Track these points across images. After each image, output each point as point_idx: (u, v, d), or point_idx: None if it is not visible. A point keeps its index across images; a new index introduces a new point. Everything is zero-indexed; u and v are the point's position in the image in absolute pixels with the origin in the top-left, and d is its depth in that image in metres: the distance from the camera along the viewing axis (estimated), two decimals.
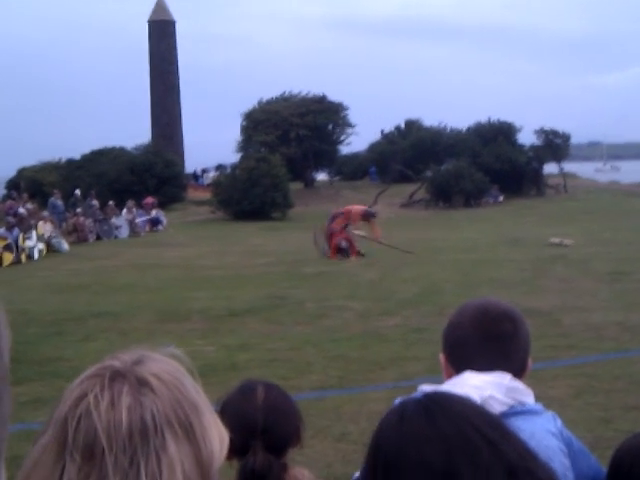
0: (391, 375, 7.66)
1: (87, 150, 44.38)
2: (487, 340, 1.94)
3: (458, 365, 1.95)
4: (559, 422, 1.91)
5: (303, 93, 47.37)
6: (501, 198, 40.08)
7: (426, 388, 1.94)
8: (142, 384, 1.01)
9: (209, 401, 1.09)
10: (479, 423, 1.19)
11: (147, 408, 0.99)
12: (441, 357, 2.04)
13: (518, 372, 1.94)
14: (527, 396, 1.87)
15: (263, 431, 2.07)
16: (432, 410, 1.20)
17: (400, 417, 1.20)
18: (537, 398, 6.31)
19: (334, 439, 5.93)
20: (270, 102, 47.04)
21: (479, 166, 40.32)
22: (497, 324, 1.96)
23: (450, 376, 1.95)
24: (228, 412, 2.13)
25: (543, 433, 1.82)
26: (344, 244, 19.00)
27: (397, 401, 1.32)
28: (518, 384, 1.87)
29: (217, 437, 1.04)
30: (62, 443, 0.98)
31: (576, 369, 7.58)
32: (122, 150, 43.57)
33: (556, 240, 19.96)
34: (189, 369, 1.10)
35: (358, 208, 19.18)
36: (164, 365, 1.06)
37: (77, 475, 0.96)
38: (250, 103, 48.18)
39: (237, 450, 2.07)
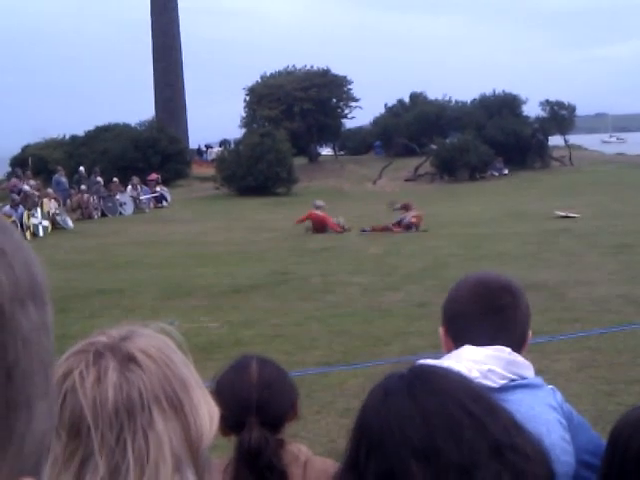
0: (395, 350, 7.67)
1: (91, 126, 44.36)
2: (487, 313, 1.94)
3: (458, 338, 1.95)
4: (559, 396, 1.91)
5: (307, 67, 47.13)
6: (506, 171, 39.93)
7: (423, 363, 1.94)
8: (129, 360, 1.00)
9: (204, 377, 1.08)
10: (463, 398, 1.17)
11: (134, 384, 0.98)
12: (440, 330, 2.03)
13: (518, 345, 1.94)
14: (527, 369, 1.87)
15: (258, 407, 2.06)
16: (415, 386, 1.18)
17: (383, 394, 1.19)
18: (541, 372, 6.32)
19: (338, 414, 5.95)
20: (273, 76, 46.81)
21: (484, 139, 40.15)
22: (497, 297, 1.95)
23: (450, 349, 1.95)
24: (223, 389, 2.13)
25: (543, 406, 1.81)
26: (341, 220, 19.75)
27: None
28: (517, 357, 1.86)
29: (207, 414, 1.03)
30: None
31: (580, 343, 7.58)
32: (126, 126, 43.48)
33: (561, 213, 19.91)
34: (179, 344, 1.09)
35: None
36: (152, 341, 1.05)
37: (63, 452, 0.95)
38: (254, 78, 48.02)
39: (233, 426, 2.07)
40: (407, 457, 1.14)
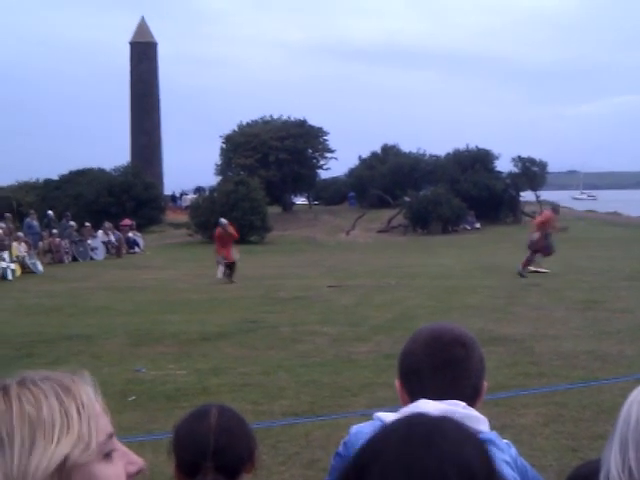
0: (362, 401, 7.65)
1: (66, 171, 44.32)
2: (438, 366, 1.95)
3: (411, 392, 1.96)
4: (513, 451, 1.90)
5: (284, 117, 47.62)
6: (478, 225, 40.34)
7: (381, 416, 1.95)
8: None
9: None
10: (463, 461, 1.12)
11: None
12: (397, 383, 2.04)
13: (472, 397, 1.95)
14: (482, 424, 1.87)
15: (215, 452, 2.07)
16: (416, 437, 1.13)
17: (390, 437, 1.14)
18: (507, 426, 6.29)
19: (303, 466, 5.90)
20: (250, 125, 47.20)
21: (457, 192, 40.64)
22: (448, 350, 1.96)
23: (405, 402, 1.96)
24: (181, 434, 2.14)
25: (497, 462, 1.81)
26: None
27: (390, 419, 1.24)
28: (472, 412, 1.87)
29: (47, 458, 1.03)
30: None
31: (546, 397, 7.60)
32: (101, 171, 43.49)
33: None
34: (95, 391, 1.14)
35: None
36: (38, 384, 1.09)
37: None
38: (231, 126, 48.39)
39: (189, 472, 2.07)
40: None
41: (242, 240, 33.83)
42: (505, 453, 1.86)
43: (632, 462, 1.31)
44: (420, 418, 1.18)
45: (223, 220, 21.09)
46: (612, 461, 1.35)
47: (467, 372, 1.96)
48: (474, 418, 1.86)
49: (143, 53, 49.81)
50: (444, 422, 1.18)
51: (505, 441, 1.92)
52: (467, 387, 1.95)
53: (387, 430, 1.16)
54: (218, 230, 20.54)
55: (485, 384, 2.03)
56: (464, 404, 1.87)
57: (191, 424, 2.16)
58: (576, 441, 6.27)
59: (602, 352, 9.64)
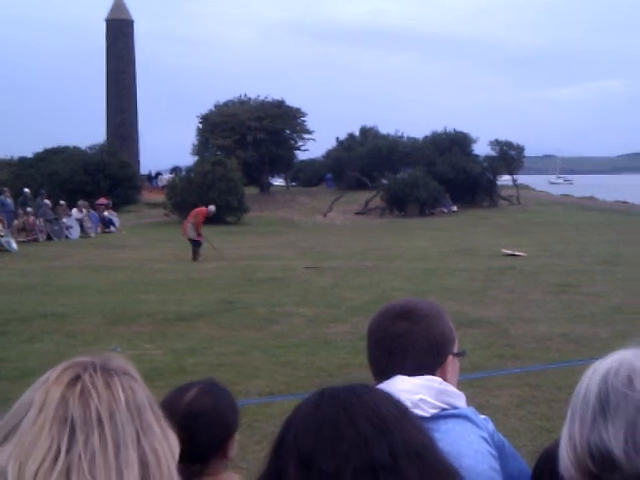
0: (338, 382, 7.64)
1: (40, 148, 43.85)
2: (377, 341, 1.94)
3: (373, 370, 1.96)
4: (491, 426, 1.88)
5: (261, 97, 47.35)
6: (455, 208, 40.46)
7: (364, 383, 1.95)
8: (124, 373, 1.10)
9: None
10: (359, 414, 1.21)
11: (137, 391, 1.08)
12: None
13: (415, 373, 1.86)
14: (458, 399, 1.85)
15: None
16: (325, 398, 1.24)
17: (305, 401, 1.26)
18: (481, 406, 6.31)
19: None
20: (227, 105, 46.85)
21: (434, 175, 40.70)
22: (389, 325, 1.93)
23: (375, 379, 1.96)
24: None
25: (473, 436, 1.80)
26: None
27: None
28: (449, 387, 1.85)
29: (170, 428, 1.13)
30: (62, 420, 1.02)
31: (520, 379, 7.67)
32: (76, 149, 43.05)
33: (507, 251, 20.21)
34: None
35: None
36: (126, 363, 1.15)
37: (83, 447, 1.00)
38: (208, 106, 48.04)
39: None
40: (291, 461, 1.19)
41: (219, 221, 33.76)
42: (482, 428, 1.85)
43: (576, 433, 1.33)
44: (330, 387, 1.28)
45: (213, 207, 22.13)
46: (562, 434, 1.37)
47: (404, 347, 1.90)
48: (451, 393, 1.84)
49: (119, 30, 49.24)
50: (354, 388, 1.29)
51: (483, 417, 1.90)
52: (405, 362, 1.89)
53: (301, 402, 1.27)
54: (205, 211, 20.90)
55: (448, 359, 1.94)
56: (440, 380, 1.85)
57: (167, 401, 2.11)
58: (550, 422, 6.33)
59: (576, 335, 9.73)
